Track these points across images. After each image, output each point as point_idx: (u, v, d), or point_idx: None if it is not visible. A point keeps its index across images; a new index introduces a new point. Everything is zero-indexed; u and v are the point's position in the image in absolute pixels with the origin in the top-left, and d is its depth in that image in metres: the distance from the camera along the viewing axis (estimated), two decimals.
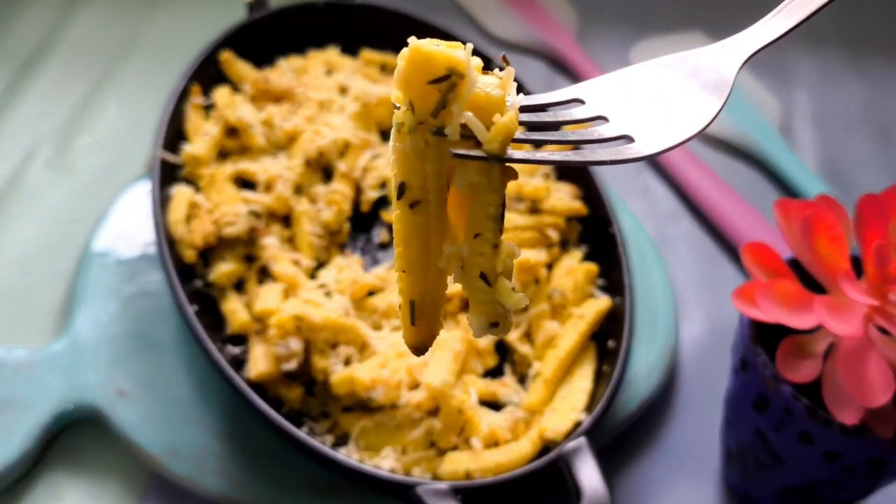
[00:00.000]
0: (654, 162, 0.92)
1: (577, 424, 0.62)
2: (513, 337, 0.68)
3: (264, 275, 0.68)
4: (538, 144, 0.37)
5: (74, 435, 0.64)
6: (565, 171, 0.76)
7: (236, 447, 0.63)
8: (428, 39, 0.33)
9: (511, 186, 0.73)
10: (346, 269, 0.68)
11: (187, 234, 0.67)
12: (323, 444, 0.59)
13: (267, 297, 0.65)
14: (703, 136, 0.94)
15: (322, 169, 0.74)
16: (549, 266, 0.72)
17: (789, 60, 1.05)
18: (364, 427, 0.62)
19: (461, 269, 0.36)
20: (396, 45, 0.34)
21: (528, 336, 0.69)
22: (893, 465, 0.55)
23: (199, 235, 0.66)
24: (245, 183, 0.72)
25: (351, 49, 0.83)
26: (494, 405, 0.65)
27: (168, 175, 0.70)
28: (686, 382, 0.74)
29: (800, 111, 0.99)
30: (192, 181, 0.71)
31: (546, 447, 0.61)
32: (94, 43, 0.94)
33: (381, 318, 0.66)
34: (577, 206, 0.73)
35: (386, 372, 0.62)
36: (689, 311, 0.79)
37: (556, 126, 0.38)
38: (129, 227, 0.74)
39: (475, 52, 0.34)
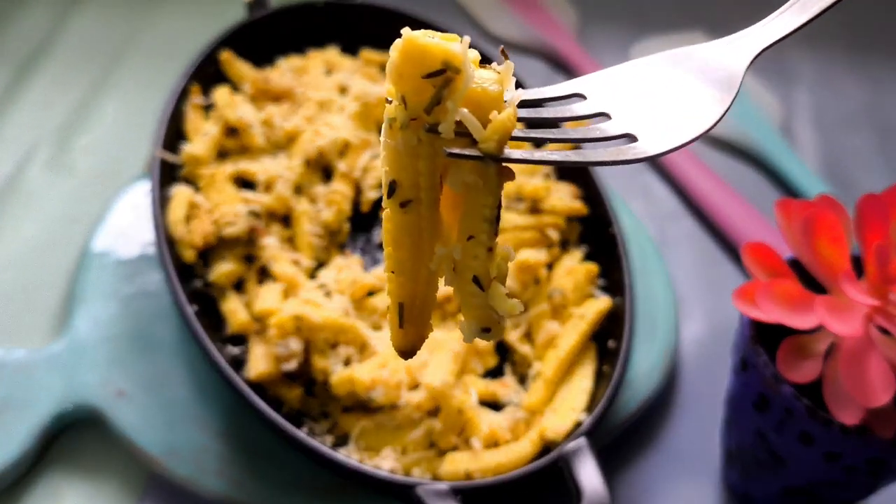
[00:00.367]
0: (654, 161, 0.92)
1: (578, 425, 0.62)
2: (513, 337, 0.68)
3: (264, 275, 0.68)
4: (537, 143, 0.36)
5: (74, 435, 0.64)
6: (565, 171, 0.76)
7: (236, 447, 0.63)
8: (423, 31, 0.32)
9: (511, 186, 0.74)
10: (346, 269, 0.68)
11: (187, 234, 0.66)
12: (323, 445, 0.59)
13: (267, 297, 0.65)
14: (704, 135, 0.95)
15: (322, 169, 0.74)
16: (550, 266, 0.72)
17: (790, 60, 1.05)
18: (364, 427, 0.62)
19: (453, 272, 0.35)
20: None
21: (528, 336, 0.69)
22: (894, 465, 0.55)
23: (199, 235, 0.66)
24: (245, 183, 0.72)
25: (351, 49, 0.83)
26: (494, 405, 0.65)
27: (168, 175, 0.70)
28: (686, 382, 0.74)
29: (800, 111, 0.99)
30: (191, 181, 0.71)
31: (546, 447, 0.61)
32: (94, 43, 0.93)
33: (381, 319, 0.66)
34: (578, 206, 0.73)
35: (386, 372, 0.62)
36: (690, 311, 0.79)
37: (555, 123, 0.36)
38: (128, 227, 0.74)
39: (473, 49, 0.33)
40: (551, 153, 0.34)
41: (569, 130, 0.36)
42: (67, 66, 0.91)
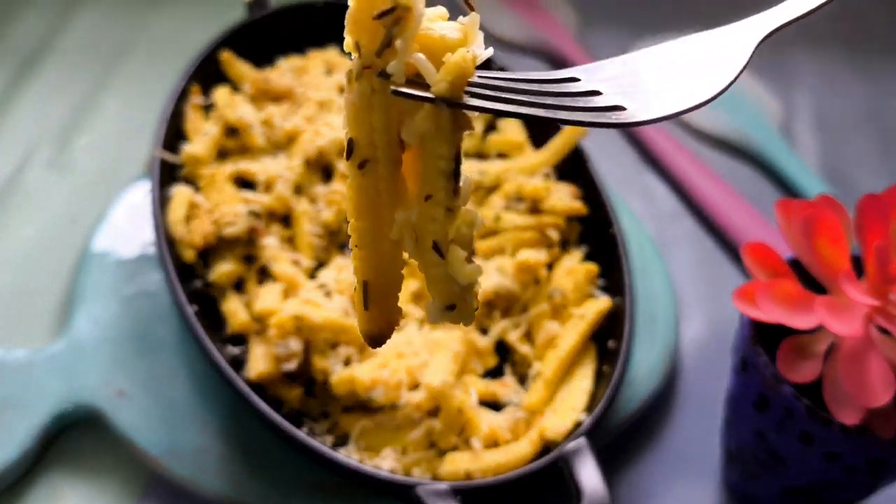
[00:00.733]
0: (654, 161, 0.91)
1: (578, 425, 0.62)
2: (513, 337, 0.68)
3: (264, 275, 0.68)
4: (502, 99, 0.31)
5: (74, 435, 0.64)
6: (566, 172, 0.76)
7: (236, 447, 0.63)
8: None
9: (511, 186, 0.74)
10: (346, 269, 0.68)
11: (187, 235, 0.66)
12: (323, 445, 0.59)
13: (267, 297, 0.65)
14: (704, 135, 0.95)
15: (322, 169, 0.74)
16: (550, 266, 0.71)
17: (790, 60, 1.05)
18: (364, 427, 0.62)
19: (415, 242, 0.32)
20: None
21: (528, 336, 0.69)
22: (894, 465, 0.55)
23: (199, 235, 0.66)
24: (245, 183, 0.72)
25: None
26: (495, 405, 0.65)
27: (168, 175, 0.70)
28: (686, 383, 0.74)
29: (800, 111, 0.99)
30: (191, 181, 0.71)
31: (546, 447, 0.61)
32: (94, 43, 0.93)
33: None
34: (578, 206, 0.73)
35: (386, 372, 0.62)
36: (690, 311, 0.79)
37: (526, 87, 0.32)
38: (128, 227, 0.74)
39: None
40: (516, 107, 0.31)
41: (547, 97, 0.32)
42: (67, 66, 0.91)
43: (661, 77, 0.32)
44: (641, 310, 0.74)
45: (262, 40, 0.80)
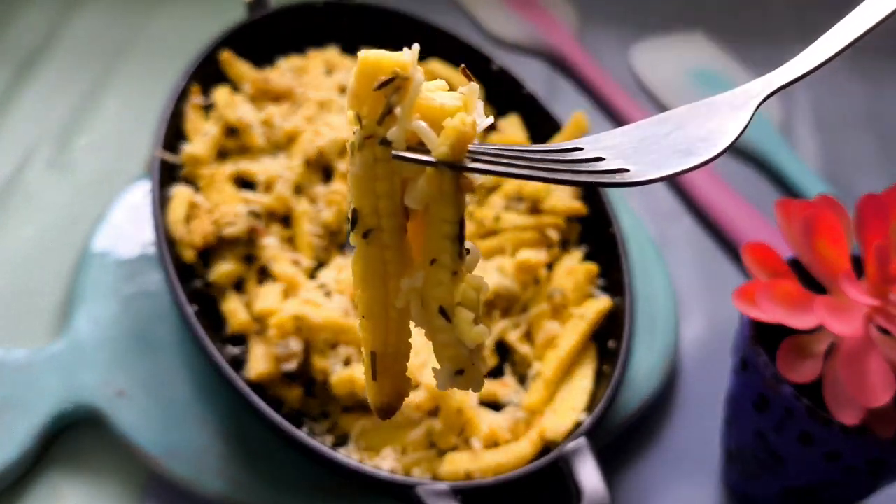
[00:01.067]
0: None
1: (578, 425, 0.62)
2: (513, 337, 0.68)
3: (264, 275, 0.68)
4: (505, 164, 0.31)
5: (74, 435, 0.64)
6: None
7: (236, 447, 0.63)
8: (377, 50, 0.31)
9: (511, 186, 0.74)
10: (346, 269, 0.68)
11: (187, 235, 0.66)
12: (323, 445, 0.59)
13: (267, 297, 0.65)
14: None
15: (322, 169, 0.74)
16: (550, 266, 0.71)
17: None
18: (364, 427, 0.62)
19: (421, 308, 0.32)
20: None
21: (528, 336, 0.69)
22: (894, 465, 0.55)
23: (199, 235, 0.66)
24: (245, 183, 0.72)
25: (351, 49, 0.83)
26: (494, 405, 0.65)
27: (167, 175, 0.70)
28: (686, 383, 0.74)
29: (800, 111, 0.99)
30: (191, 181, 0.71)
31: (546, 447, 0.61)
32: (94, 42, 0.93)
33: None
34: (577, 206, 0.73)
35: None
36: (690, 311, 0.79)
37: (530, 155, 0.32)
38: (128, 227, 0.74)
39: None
40: (519, 169, 0.31)
41: (551, 163, 0.32)
42: (67, 66, 0.90)
43: (662, 141, 0.33)
44: (641, 310, 0.74)
45: (262, 40, 0.80)
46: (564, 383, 0.65)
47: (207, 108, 0.75)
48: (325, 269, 0.68)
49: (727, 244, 0.84)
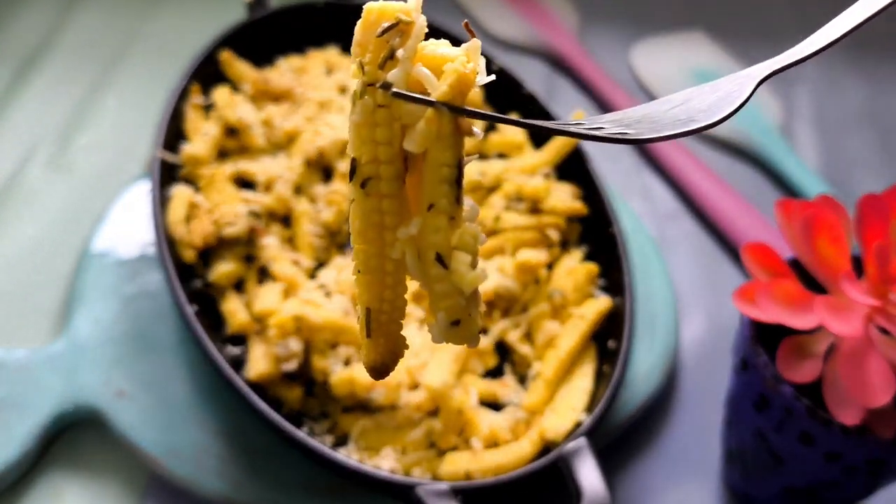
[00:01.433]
0: (654, 161, 0.92)
1: (578, 425, 0.62)
2: (513, 337, 0.68)
3: (264, 275, 0.68)
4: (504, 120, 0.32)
5: (74, 436, 0.64)
6: (566, 172, 0.76)
7: (236, 447, 0.63)
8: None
9: (511, 186, 0.74)
10: (346, 269, 0.68)
11: (187, 235, 0.66)
12: (323, 445, 0.59)
13: (266, 297, 0.65)
14: (704, 135, 0.94)
15: (322, 169, 0.74)
16: (550, 266, 0.71)
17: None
18: (364, 427, 0.62)
19: (418, 260, 0.32)
20: None
21: (528, 336, 0.69)
22: (894, 465, 0.55)
23: (199, 235, 0.66)
24: (245, 183, 0.72)
25: (350, 48, 0.83)
26: (494, 405, 0.65)
27: (167, 175, 0.70)
28: (686, 383, 0.74)
29: (800, 111, 0.99)
30: (191, 181, 0.71)
31: (546, 447, 0.61)
32: (94, 42, 0.93)
33: None
34: (578, 206, 0.73)
35: None
36: (690, 311, 0.79)
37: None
38: (128, 227, 0.74)
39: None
40: (513, 120, 0.32)
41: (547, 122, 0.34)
42: (67, 66, 0.91)
43: (664, 116, 0.33)
44: (641, 310, 0.74)
45: (262, 40, 0.80)
46: (564, 383, 0.65)
47: (207, 108, 0.75)
48: (325, 269, 0.68)
49: (727, 244, 0.84)
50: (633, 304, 0.68)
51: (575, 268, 0.70)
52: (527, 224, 0.72)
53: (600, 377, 0.66)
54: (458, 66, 0.30)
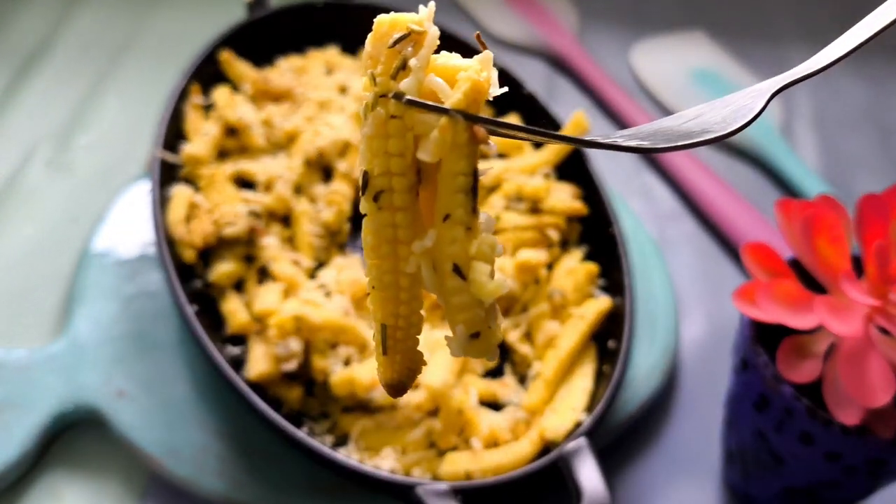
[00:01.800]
0: (654, 162, 0.91)
1: (578, 425, 0.62)
2: (513, 337, 0.68)
3: (264, 275, 0.68)
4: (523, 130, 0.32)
5: (74, 436, 0.64)
6: (566, 172, 0.76)
7: (236, 448, 0.63)
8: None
9: (511, 186, 0.73)
10: (346, 269, 0.68)
11: (187, 235, 0.66)
12: (323, 445, 0.58)
13: (266, 297, 0.64)
14: (700, 145, 0.94)
15: (322, 169, 0.74)
16: (550, 266, 0.71)
17: (790, 60, 1.05)
18: (364, 427, 0.62)
19: (433, 272, 0.31)
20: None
21: (528, 336, 0.69)
22: (894, 465, 0.55)
23: (199, 235, 0.66)
24: (245, 183, 0.72)
25: (351, 48, 0.83)
26: (495, 405, 0.65)
27: (167, 175, 0.70)
28: (687, 383, 0.74)
29: (800, 111, 0.99)
30: (191, 181, 0.71)
31: (546, 447, 0.61)
32: (94, 42, 0.93)
33: None
34: (578, 206, 0.73)
35: None
36: (690, 311, 0.79)
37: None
38: (128, 227, 0.74)
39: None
40: (532, 129, 0.32)
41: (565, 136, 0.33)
42: (67, 66, 0.90)
43: (676, 130, 0.33)
44: (641, 310, 0.74)
45: (262, 40, 0.80)
46: (564, 383, 0.65)
47: (207, 108, 0.75)
48: (325, 269, 0.68)
49: (727, 244, 0.84)
50: (633, 304, 0.68)
51: (575, 268, 0.70)
52: (527, 224, 0.72)
53: (600, 377, 0.66)
54: (471, 74, 0.30)
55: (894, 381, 0.52)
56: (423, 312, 0.33)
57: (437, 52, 0.32)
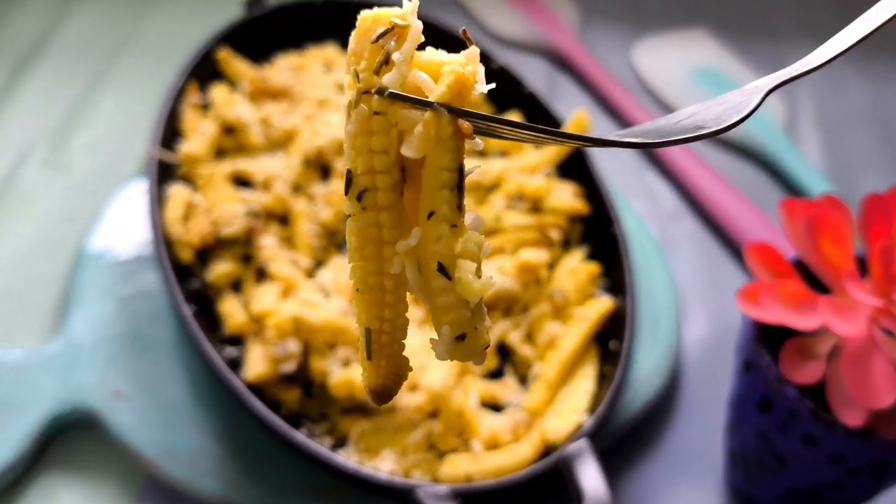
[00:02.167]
0: (656, 161, 0.91)
1: (579, 426, 0.61)
2: (514, 338, 0.67)
3: (262, 275, 0.67)
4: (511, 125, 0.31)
5: (70, 437, 0.64)
6: (567, 171, 0.76)
7: (234, 449, 0.63)
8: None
9: (512, 185, 0.73)
10: (345, 269, 0.67)
11: (184, 234, 0.66)
12: (321, 447, 0.58)
13: (264, 297, 0.64)
14: (694, 140, 0.94)
15: (321, 168, 0.74)
16: (551, 266, 0.71)
17: (791, 57, 1.04)
18: (363, 429, 0.61)
19: (418, 273, 0.31)
20: None
21: (529, 337, 0.68)
22: None
23: (197, 235, 0.66)
24: (242, 182, 0.72)
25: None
26: (495, 407, 0.64)
27: (165, 174, 0.69)
28: (689, 384, 0.73)
29: (804, 110, 0.99)
30: (189, 180, 0.70)
31: (547, 449, 0.61)
32: (90, 40, 0.93)
33: None
34: (579, 206, 0.73)
35: None
36: (692, 311, 0.78)
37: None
38: (125, 226, 0.73)
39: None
40: (518, 123, 0.31)
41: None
42: (64, 65, 0.90)
43: (673, 127, 0.32)
44: (643, 310, 0.73)
45: (259, 37, 0.79)
46: (566, 384, 0.65)
47: (205, 107, 0.74)
48: (324, 269, 0.68)
49: (730, 244, 0.84)
50: (634, 304, 0.68)
51: (576, 268, 0.70)
52: (528, 224, 0.71)
53: (602, 378, 0.66)
54: (455, 67, 0.29)
55: None
56: (407, 318, 0.33)
57: (424, 46, 0.31)
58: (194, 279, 0.67)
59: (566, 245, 0.74)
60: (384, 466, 0.59)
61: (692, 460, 0.68)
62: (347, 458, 0.59)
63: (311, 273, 0.68)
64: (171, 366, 0.66)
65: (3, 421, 0.61)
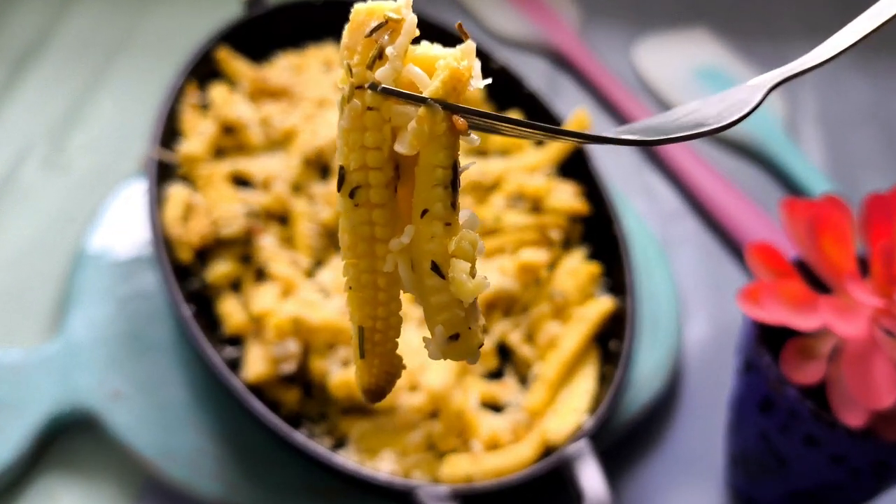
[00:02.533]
0: (657, 160, 0.91)
1: (579, 427, 0.61)
2: (514, 338, 0.67)
3: (262, 275, 0.67)
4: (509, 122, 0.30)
5: (69, 438, 0.64)
6: (568, 171, 0.76)
7: (233, 450, 0.62)
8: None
9: (512, 185, 0.73)
10: None
11: (184, 234, 0.66)
12: (321, 447, 0.58)
13: (264, 297, 0.64)
14: (694, 137, 0.94)
15: (320, 168, 0.74)
16: (551, 266, 0.71)
17: (793, 56, 1.04)
18: (363, 430, 0.61)
19: (412, 272, 0.30)
20: None
21: (529, 337, 0.68)
22: None
23: (196, 235, 0.66)
24: (242, 182, 0.71)
25: None
26: (495, 407, 0.64)
27: (164, 174, 0.69)
28: (690, 384, 0.73)
29: (805, 109, 0.99)
30: (188, 180, 0.70)
31: (547, 450, 0.61)
32: (89, 40, 0.93)
33: None
34: (580, 206, 0.73)
35: None
36: (693, 311, 0.78)
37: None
38: (124, 226, 0.73)
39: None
40: (515, 120, 0.30)
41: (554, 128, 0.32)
42: (62, 64, 0.90)
43: (672, 124, 0.32)
44: (644, 310, 0.73)
45: (259, 37, 0.79)
46: (566, 385, 0.65)
47: (204, 107, 0.74)
48: (324, 269, 0.68)
49: (731, 244, 0.84)
50: (635, 304, 0.68)
51: (577, 268, 0.70)
52: (528, 223, 0.71)
53: (602, 379, 0.65)
54: (450, 62, 0.29)
55: None
56: (401, 316, 0.32)
57: (419, 40, 0.31)
58: (194, 279, 0.67)
59: (566, 245, 0.73)
60: (384, 467, 0.59)
61: (693, 461, 0.68)
62: (347, 459, 0.59)
63: (310, 273, 0.68)
64: (171, 366, 0.66)
65: (2, 421, 0.61)
